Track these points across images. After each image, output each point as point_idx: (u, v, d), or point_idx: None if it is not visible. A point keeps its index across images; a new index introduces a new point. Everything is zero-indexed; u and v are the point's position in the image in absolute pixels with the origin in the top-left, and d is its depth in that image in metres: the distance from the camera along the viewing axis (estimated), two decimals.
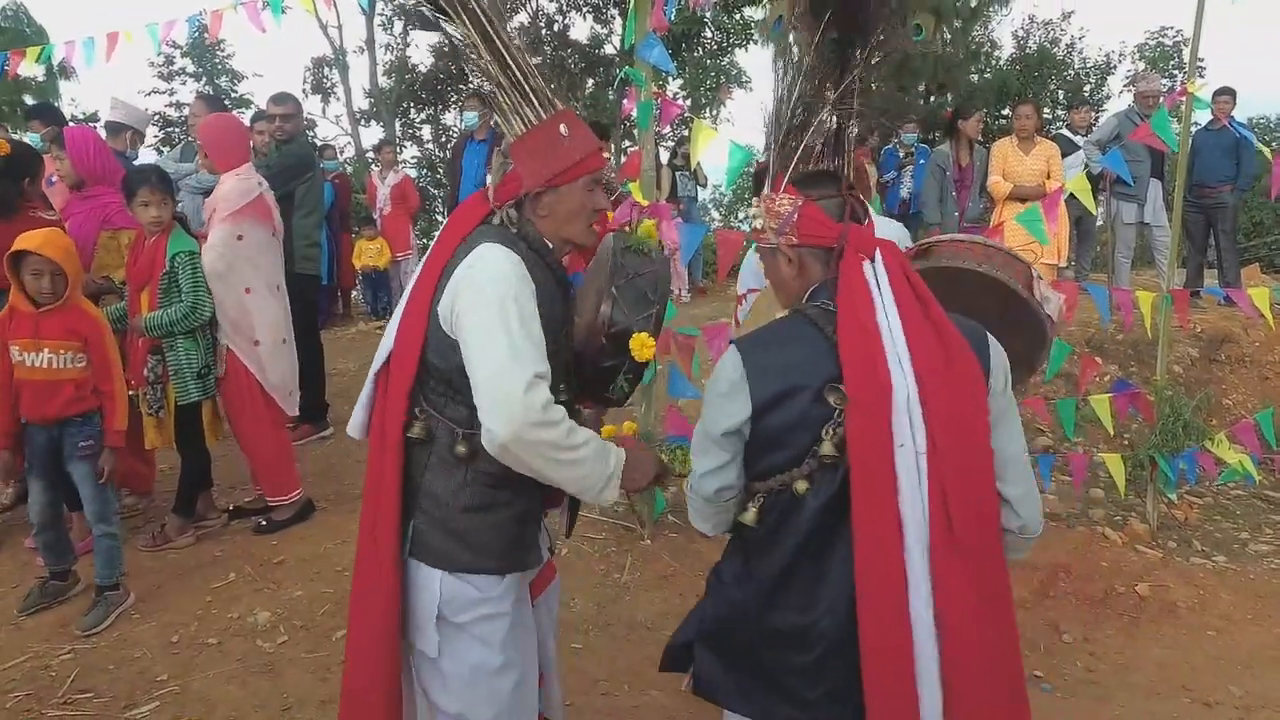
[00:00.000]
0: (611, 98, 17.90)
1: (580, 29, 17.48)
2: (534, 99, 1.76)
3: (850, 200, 1.67)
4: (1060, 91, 19.40)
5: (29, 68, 8.67)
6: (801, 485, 1.58)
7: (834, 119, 1.80)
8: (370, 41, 18.06)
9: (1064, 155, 6.84)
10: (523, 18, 17.18)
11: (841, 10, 1.74)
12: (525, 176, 1.77)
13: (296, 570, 3.72)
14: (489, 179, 1.83)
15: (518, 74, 1.76)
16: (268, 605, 3.45)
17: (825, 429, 1.56)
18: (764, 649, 1.63)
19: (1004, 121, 16.37)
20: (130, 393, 3.63)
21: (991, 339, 1.66)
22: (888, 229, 2.73)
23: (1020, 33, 20.18)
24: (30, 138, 4.69)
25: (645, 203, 3.86)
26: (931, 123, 14.28)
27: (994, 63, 19.59)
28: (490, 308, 1.64)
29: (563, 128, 1.77)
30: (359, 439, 1.92)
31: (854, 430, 1.52)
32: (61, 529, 3.48)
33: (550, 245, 1.83)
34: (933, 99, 17.72)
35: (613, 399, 1.96)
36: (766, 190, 1.73)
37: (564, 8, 17.23)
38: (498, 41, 1.75)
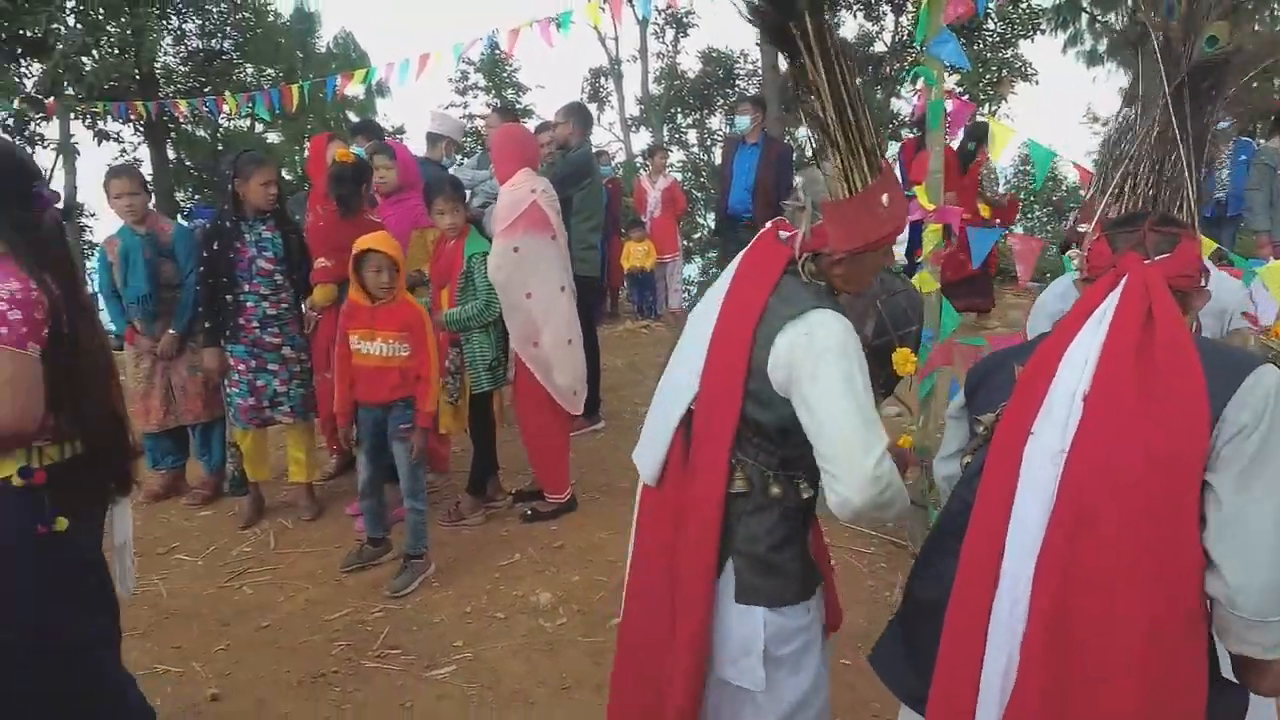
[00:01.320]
0: (879, 96, 17.38)
1: (849, 26, 17.07)
2: (864, 161, 1.69)
3: (1149, 234, 1.64)
4: None
5: (354, 88, 9.85)
6: (966, 458, 1.68)
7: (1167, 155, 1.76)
8: (643, 50, 18.73)
9: None
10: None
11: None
12: (834, 240, 1.74)
13: (574, 556, 3.93)
14: (801, 230, 1.79)
15: (854, 131, 1.67)
16: (548, 587, 3.67)
17: (1001, 404, 1.63)
18: (913, 620, 1.72)
19: None
20: None
21: (1259, 372, 1.45)
22: (1225, 287, 2.50)
23: None
24: (356, 150, 5.29)
25: (931, 207, 3.69)
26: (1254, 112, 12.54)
27: None
28: (840, 379, 1.66)
29: (885, 198, 1.70)
30: (652, 485, 1.88)
31: (1007, 409, 1.58)
32: (382, 500, 3.90)
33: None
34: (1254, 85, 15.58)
35: None
36: (1088, 230, 1.76)
37: (834, 5, 16.91)
38: (844, 91, 1.65)
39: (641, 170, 12.08)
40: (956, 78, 16.36)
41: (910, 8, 15.71)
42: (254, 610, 3.60)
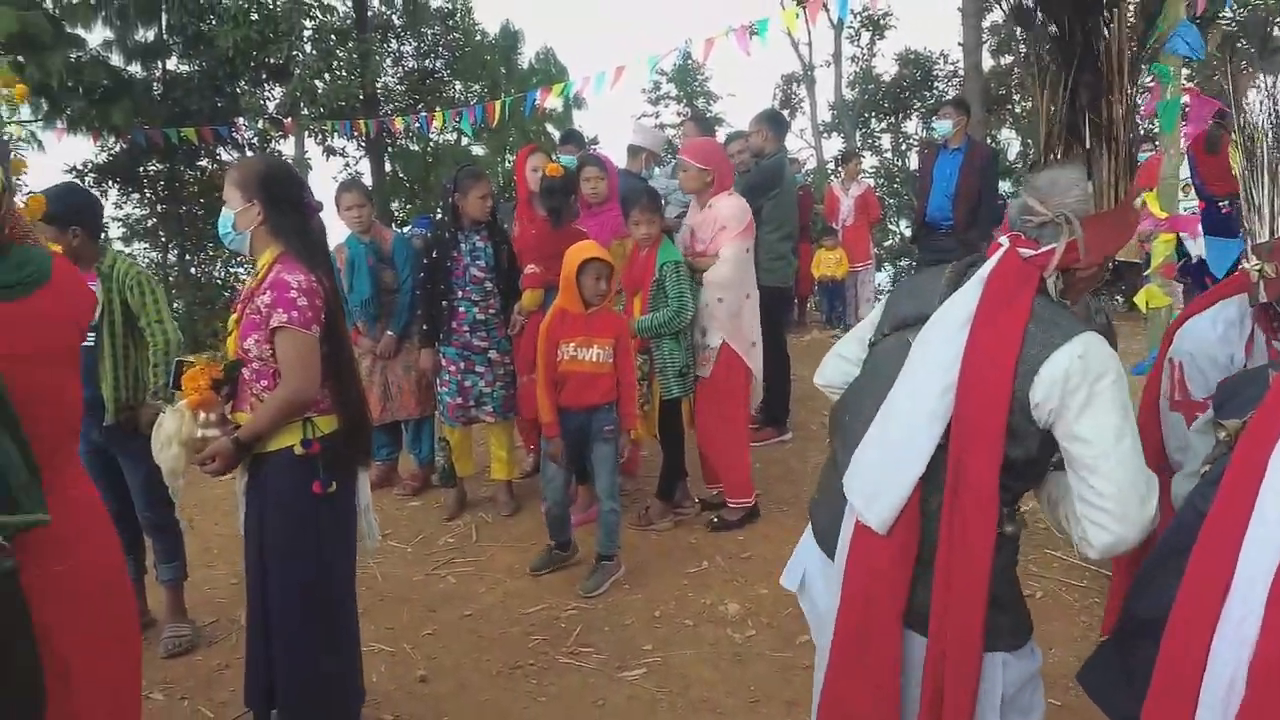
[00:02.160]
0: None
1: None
2: (1129, 171, 1.63)
3: None
4: None
5: (553, 101, 10.29)
6: (1204, 467, 1.60)
7: None
8: (837, 54, 18.41)
9: None
10: (997, 15, 16.26)
11: None
12: (1091, 252, 1.65)
13: (762, 568, 3.91)
14: (1059, 246, 1.66)
15: (1124, 141, 1.62)
16: (736, 598, 3.67)
17: (1250, 411, 1.51)
18: (1131, 638, 1.63)
19: None
20: None
21: None
22: None
23: None
24: (565, 160, 5.50)
25: (1164, 215, 3.41)
26: None
27: None
28: (1119, 409, 1.58)
29: (1137, 202, 1.65)
30: (883, 532, 1.69)
31: (1256, 414, 1.45)
32: (567, 508, 4.03)
33: None
34: None
35: None
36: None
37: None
38: (1123, 97, 1.61)
39: (833, 177, 11.86)
40: (1187, 71, 15.02)
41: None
42: (457, 599, 3.81)
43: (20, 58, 11.54)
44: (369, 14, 16.13)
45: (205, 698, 3.11)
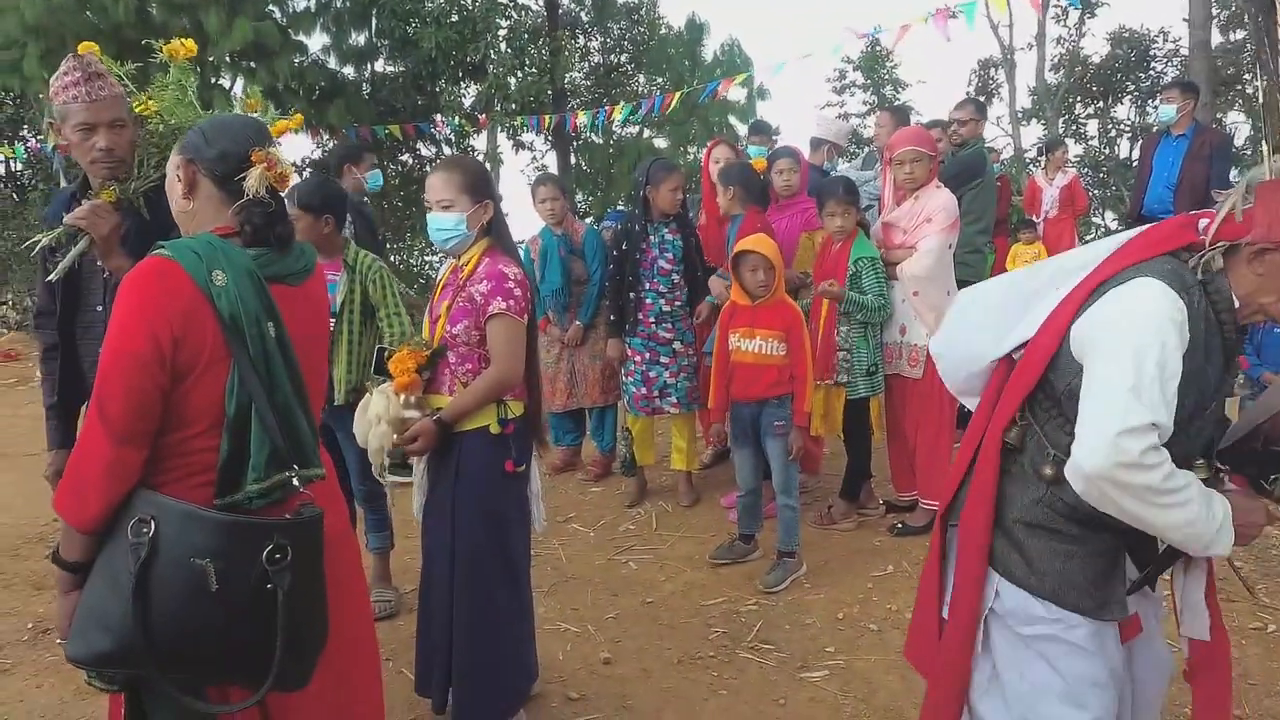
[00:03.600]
0: None
1: None
2: None
3: None
4: None
5: (735, 92, 10.24)
6: None
7: None
8: (1040, 36, 17.29)
9: None
10: None
11: None
12: (1265, 225, 1.49)
13: None
14: (1221, 209, 1.56)
15: None
16: None
17: None
18: None
19: None
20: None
21: None
22: None
23: None
24: (753, 150, 5.46)
25: None
26: None
27: None
28: (1128, 342, 1.50)
29: None
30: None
31: None
32: (759, 497, 3.99)
33: (1237, 306, 1.55)
34: None
35: (1266, 489, 1.66)
36: None
37: None
38: None
39: (1032, 166, 11.17)
40: None
41: None
42: (638, 585, 3.88)
43: (252, 63, 12.71)
44: (559, 11, 16.63)
45: (407, 661, 3.30)
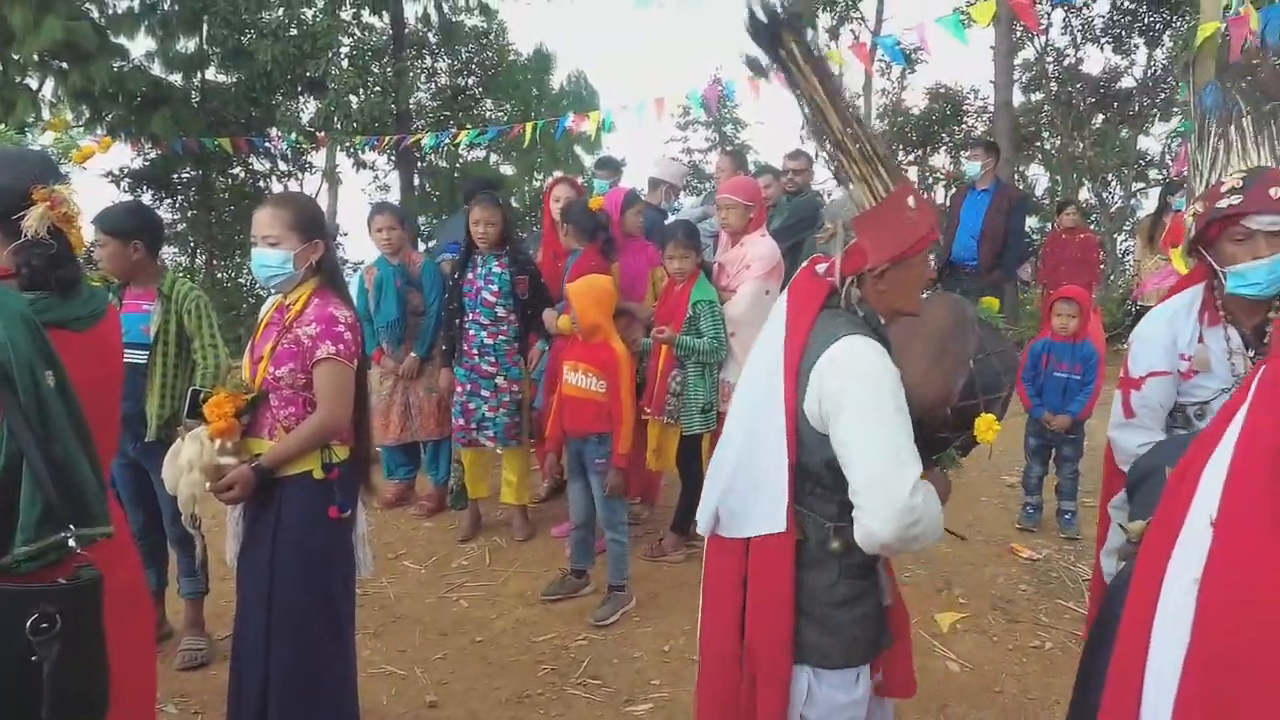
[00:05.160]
0: (1125, 134, 16.17)
1: (1094, 61, 16.07)
2: (882, 169, 1.72)
3: None
4: None
5: (589, 127, 10.40)
6: (1120, 562, 1.60)
7: None
8: (867, 87, 18.45)
9: None
10: (1029, 53, 16.29)
11: None
12: (873, 251, 1.73)
13: None
14: (836, 251, 1.80)
15: (867, 142, 1.72)
16: None
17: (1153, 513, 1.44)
18: None
19: None
20: (645, 417, 4.17)
21: None
22: None
23: None
24: (599, 185, 5.57)
25: (1186, 271, 3.40)
26: None
27: None
28: (870, 405, 1.65)
29: (910, 200, 1.72)
30: (706, 535, 1.95)
31: (1153, 522, 1.38)
32: (591, 530, 4.04)
33: (883, 321, 1.81)
34: None
35: (934, 468, 1.89)
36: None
37: (1077, 41, 15.96)
38: (844, 105, 1.73)
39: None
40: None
41: (1167, 41, 14.54)
42: (469, 623, 3.84)
43: (64, 65, 11.82)
44: (405, 31, 16.37)
45: (218, 712, 3.13)
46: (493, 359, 4.51)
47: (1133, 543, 1.51)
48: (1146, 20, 14.45)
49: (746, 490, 1.81)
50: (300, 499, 2.50)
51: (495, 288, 4.48)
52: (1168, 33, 14.50)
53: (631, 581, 3.97)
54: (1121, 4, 14.58)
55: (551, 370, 4.54)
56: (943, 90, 17.54)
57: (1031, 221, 15.83)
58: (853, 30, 17.82)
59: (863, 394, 1.66)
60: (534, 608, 3.97)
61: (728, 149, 12.33)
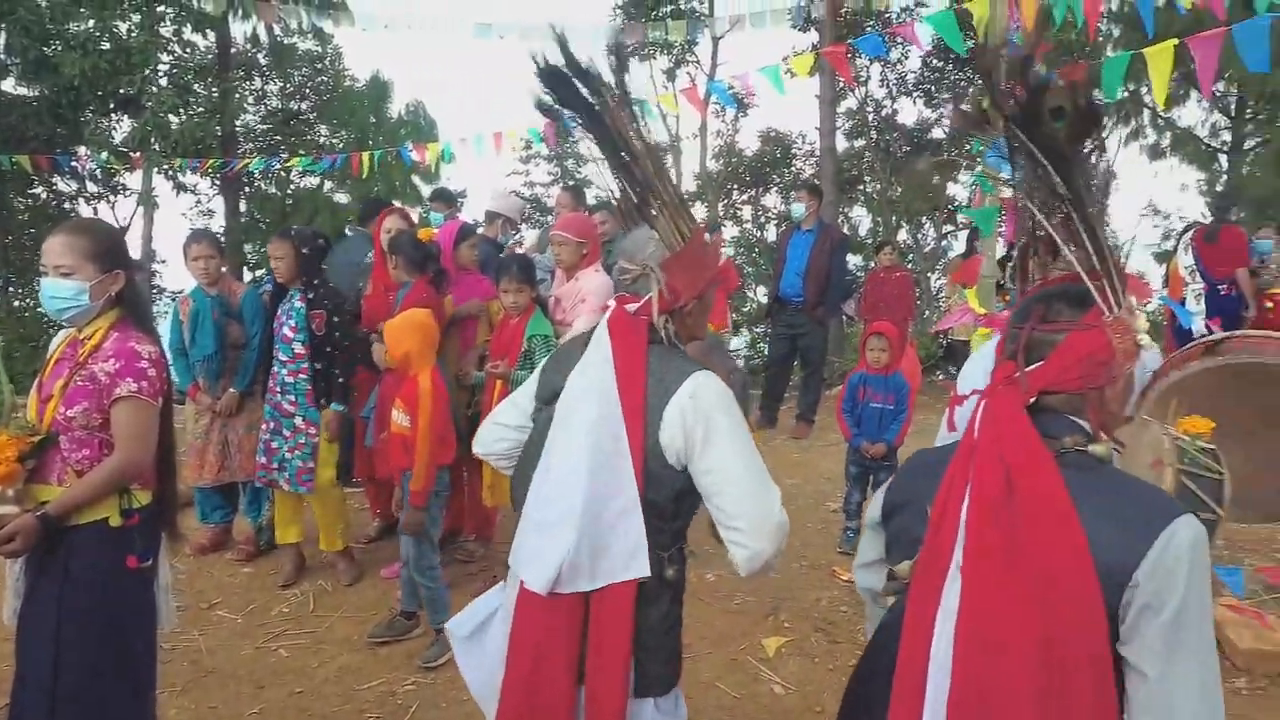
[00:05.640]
0: (936, 180, 17.47)
1: (908, 113, 17.36)
2: (686, 212, 1.87)
3: (1026, 336, 1.47)
4: None
5: (429, 158, 10.26)
6: (888, 599, 1.56)
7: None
8: (703, 128, 19.14)
9: None
10: (851, 102, 17.38)
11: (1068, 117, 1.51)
12: (684, 289, 1.85)
13: None
14: (651, 291, 1.86)
15: (671, 184, 1.86)
16: None
17: (918, 550, 1.46)
18: None
19: None
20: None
21: (1173, 529, 1.29)
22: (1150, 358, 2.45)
23: None
24: (434, 217, 5.49)
25: (982, 311, 3.72)
26: None
27: None
28: (736, 434, 1.76)
29: (706, 237, 1.89)
30: (545, 594, 1.77)
31: (918, 563, 1.43)
32: None
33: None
34: None
35: None
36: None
37: (893, 93, 17.18)
38: (652, 150, 1.85)
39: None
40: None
41: (969, 97, 15.85)
42: (289, 674, 3.64)
43: None
44: (232, 51, 15.66)
45: None
46: (293, 397, 4.34)
47: (904, 582, 1.52)
48: (952, 77, 15.72)
49: (597, 542, 1.75)
50: (93, 549, 2.30)
51: (293, 323, 4.33)
52: (972, 89, 15.83)
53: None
54: (930, 62, 15.81)
55: (381, 406, 4.41)
56: (774, 134, 18.42)
57: (855, 260, 16.83)
58: (689, 74, 18.46)
59: (728, 425, 1.76)
60: (360, 653, 3.81)
61: (568, 184, 12.48)
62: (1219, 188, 14.63)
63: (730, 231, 18.69)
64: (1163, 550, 1.28)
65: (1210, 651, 1.29)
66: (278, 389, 4.35)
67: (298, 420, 4.34)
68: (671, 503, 1.79)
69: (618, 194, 1.89)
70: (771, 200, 19.25)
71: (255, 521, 4.88)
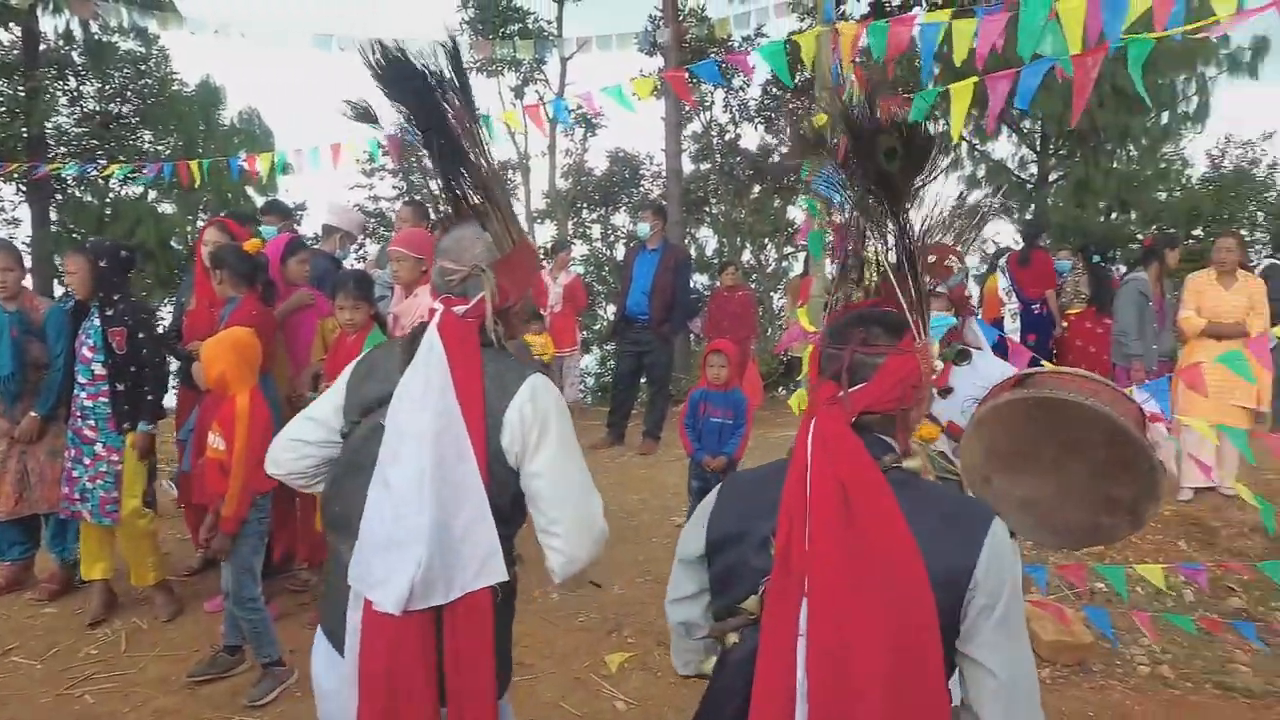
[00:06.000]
0: (776, 203, 18.19)
1: (750, 138, 18.04)
2: (514, 220, 1.94)
3: (847, 358, 1.52)
4: (1260, 214, 18.21)
5: (261, 167, 9.80)
6: (731, 637, 1.50)
7: (887, 258, 1.65)
8: (552, 146, 19.20)
9: None
10: (696, 126, 17.88)
11: (891, 146, 1.58)
12: (512, 290, 1.90)
13: None
14: (485, 292, 1.85)
15: (504, 194, 1.93)
16: None
17: (760, 582, 1.45)
18: None
19: (1194, 243, 15.42)
20: None
21: (994, 530, 1.42)
22: (988, 370, 2.64)
23: (1215, 152, 19.22)
24: (266, 230, 5.24)
25: (813, 329, 3.88)
26: (1109, 242, 13.69)
27: (1184, 182, 18.60)
28: (566, 438, 1.80)
29: (528, 239, 1.98)
30: (398, 614, 1.70)
31: (769, 594, 1.41)
32: None
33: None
34: (1114, 216, 17.04)
35: None
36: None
37: (736, 119, 17.80)
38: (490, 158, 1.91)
39: (544, 264, 12.26)
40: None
41: (806, 124, 16.62)
42: None
43: None
44: (41, 47, 14.48)
45: None
46: (93, 422, 4.06)
47: (751, 617, 1.48)
48: (791, 105, 16.46)
49: (449, 553, 1.71)
50: None
51: (92, 342, 4.07)
52: (809, 117, 16.62)
53: (295, 653, 3.69)
54: (770, 90, 16.50)
55: (199, 428, 4.16)
56: (622, 155, 18.71)
57: (703, 279, 17.27)
58: (538, 92, 18.50)
59: (560, 428, 1.78)
60: (178, 695, 3.56)
61: (410, 199, 12.21)
62: (1028, 216, 15.93)
63: (580, 250, 18.82)
64: (991, 548, 1.39)
65: (1024, 628, 1.44)
66: (78, 413, 4.05)
67: (98, 447, 4.04)
68: (511, 505, 1.80)
69: (448, 193, 1.90)
70: (621, 219, 19.53)
71: (61, 557, 4.48)
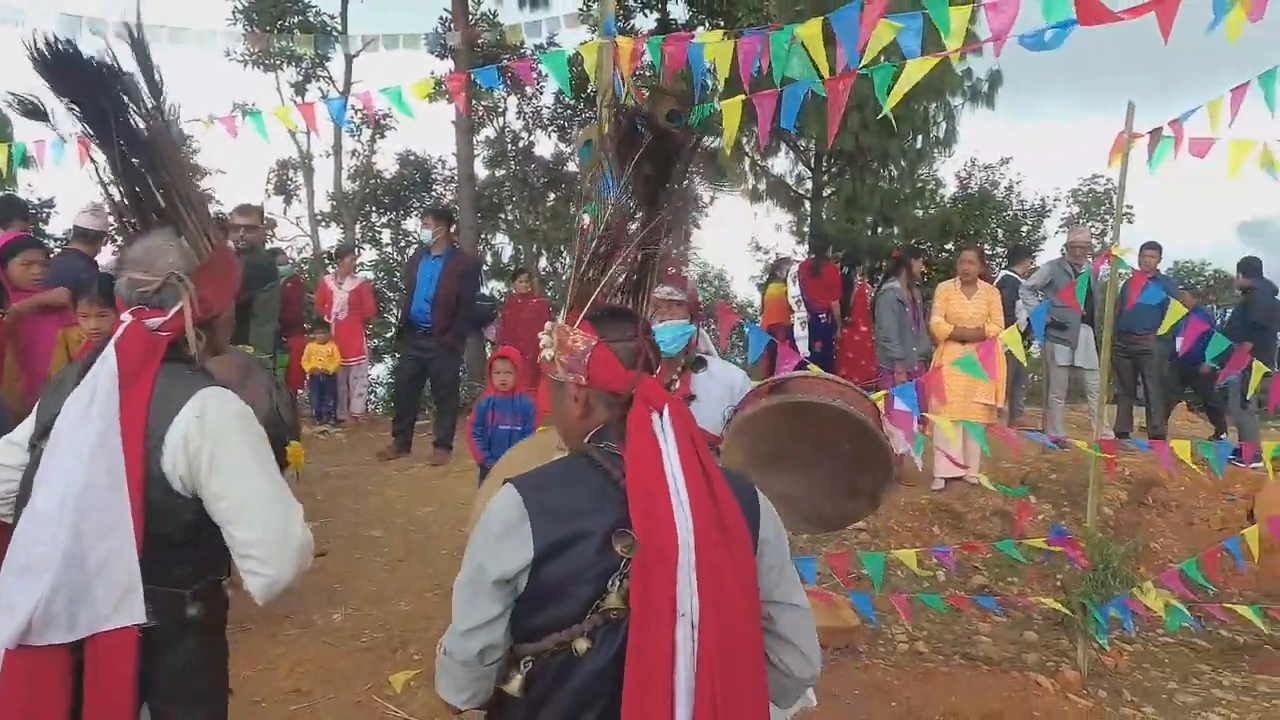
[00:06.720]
0: (572, 211, 18.37)
1: (545, 146, 18.11)
2: (211, 224, 1.83)
3: (645, 347, 1.54)
4: (1000, 230, 20.39)
5: None
6: (582, 644, 1.41)
7: (639, 256, 1.61)
8: (337, 147, 18.41)
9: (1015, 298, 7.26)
10: (490, 131, 17.73)
11: (652, 150, 1.58)
12: (216, 300, 1.78)
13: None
14: (182, 303, 1.72)
15: (200, 195, 1.84)
16: None
17: (611, 580, 1.40)
18: None
19: (946, 255, 17.05)
20: None
21: (762, 498, 1.58)
22: (728, 375, 2.79)
23: (963, 174, 21.31)
24: None
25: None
26: (880, 254, 14.89)
27: (938, 200, 20.52)
28: (249, 456, 1.66)
29: (230, 244, 1.94)
30: (13, 647, 1.56)
31: (639, 586, 1.38)
32: None
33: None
34: (879, 230, 18.51)
35: None
36: (561, 321, 1.57)
37: (530, 126, 17.82)
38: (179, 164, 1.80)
39: (329, 269, 11.71)
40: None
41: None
42: None
43: None
44: None
45: None
46: None
47: (614, 613, 1.42)
48: (583, 115, 16.69)
49: (77, 588, 1.56)
50: None
51: None
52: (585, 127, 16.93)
53: None
54: (562, 99, 16.65)
55: None
56: (413, 157, 18.24)
57: (499, 286, 17.14)
58: (321, 89, 17.69)
59: (241, 446, 1.65)
60: None
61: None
62: (806, 228, 17.00)
63: (369, 255, 18.17)
64: (767, 510, 1.59)
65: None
66: None
67: None
68: (186, 534, 1.65)
69: (132, 199, 1.75)
70: (413, 224, 19.03)
71: None
